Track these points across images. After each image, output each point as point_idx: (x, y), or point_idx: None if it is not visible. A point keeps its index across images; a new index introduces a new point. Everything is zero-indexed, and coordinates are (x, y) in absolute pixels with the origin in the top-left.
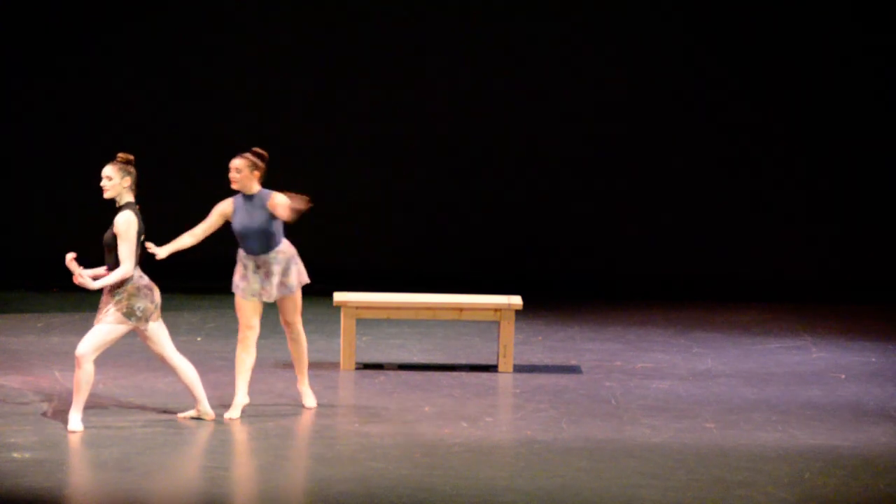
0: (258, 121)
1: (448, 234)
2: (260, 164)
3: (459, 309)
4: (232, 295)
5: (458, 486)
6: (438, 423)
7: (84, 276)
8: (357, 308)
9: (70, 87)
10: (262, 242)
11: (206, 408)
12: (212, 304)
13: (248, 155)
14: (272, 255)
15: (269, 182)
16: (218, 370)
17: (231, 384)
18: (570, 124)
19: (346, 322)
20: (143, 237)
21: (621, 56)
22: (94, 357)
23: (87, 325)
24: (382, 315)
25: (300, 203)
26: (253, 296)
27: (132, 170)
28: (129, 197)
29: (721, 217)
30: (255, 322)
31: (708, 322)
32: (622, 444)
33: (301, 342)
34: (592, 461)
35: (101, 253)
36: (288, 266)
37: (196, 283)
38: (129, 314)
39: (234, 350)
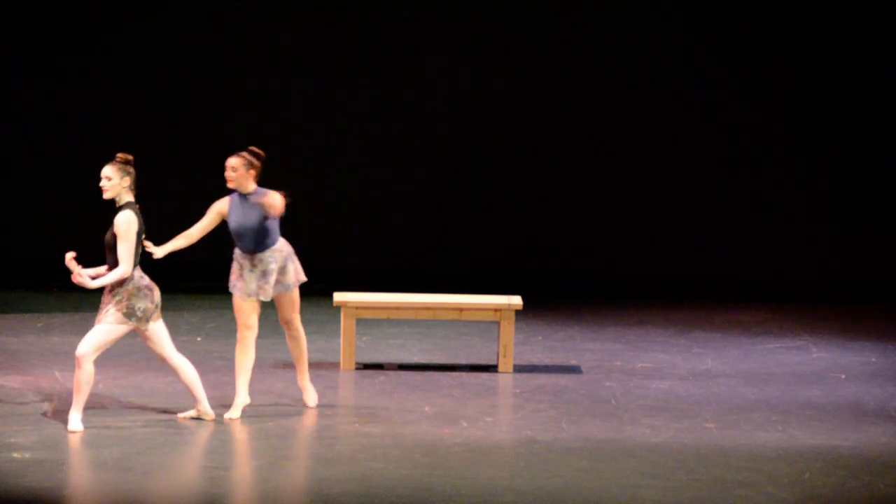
0: (258, 121)
1: (448, 234)
2: (256, 162)
3: (459, 309)
4: (231, 295)
5: (458, 486)
6: (438, 423)
7: (83, 276)
8: (357, 308)
9: (70, 87)
10: (258, 241)
11: (206, 408)
12: (212, 304)
13: (244, 154)
14: (268, 253)
15: (269, 182)
16: (218, 370)
17: (231, 384)
18: (570, 124)
19: (346, 322)
20: (143, 237)
21: (621, 56)
22: (94, 357)
23: (87, 325)
24: (382, 315)
25: (268, 201)
26: (250, 295)
27: (131, 170)
28: (128, 197)
29: (721, 217)
30: (254, 322)
31: (708, 322)
32: (622, 444)
33: (300, 340)
34: (592, 461)
35: (101, 253)
36: (285, 264)
37: (196, 283)
38: (129, 314)
39: (233, 350)
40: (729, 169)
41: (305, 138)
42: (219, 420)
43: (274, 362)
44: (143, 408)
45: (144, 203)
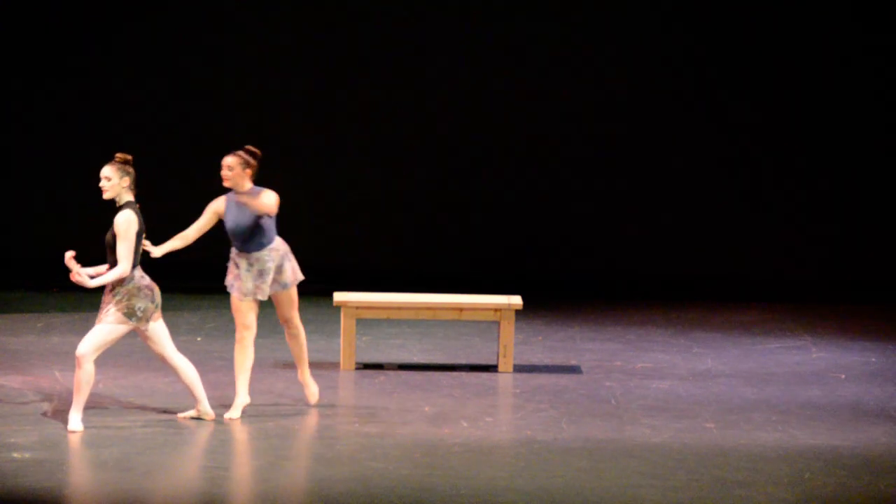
0: (258, 121)
1: (448, 234)
2: (252, 161)
3: (459, 309)
4: (229, 295)
5: (458, 486)
6: (438, 423)
7: (81, 275)
8: (357, 308)
9: (70, 87)
10: (255, 240)
11: (206, 408)
12: (212, 304)
13: (240, 153)
14: (265, 252)
15: (269, 182)
16: (218, 370)
17: (231, 384)
18: (570, 124)
19: (346, 322)
20: (143, 236)
21: (621, 56)
22: (94, 357)
23: (87, 325)
24: (382, 315)
25: (250, 199)
26: (246, 295)
27: (131, 170)
28: (128, 196)
29: (721, 217)
30: (252, 321)
31: (708, 322)
32: (622, 444)
33: (300, 338)
34: (592, 461)
35: (101, 252)
36: (282, 263)
37: (196, 283)
38: (129, 314)
39: (233, 350)
40: (729, 169)
41: (305, 138)
42: (219, 420)
43: (274, 362)
44: (143, 408)
45: (144, 203)
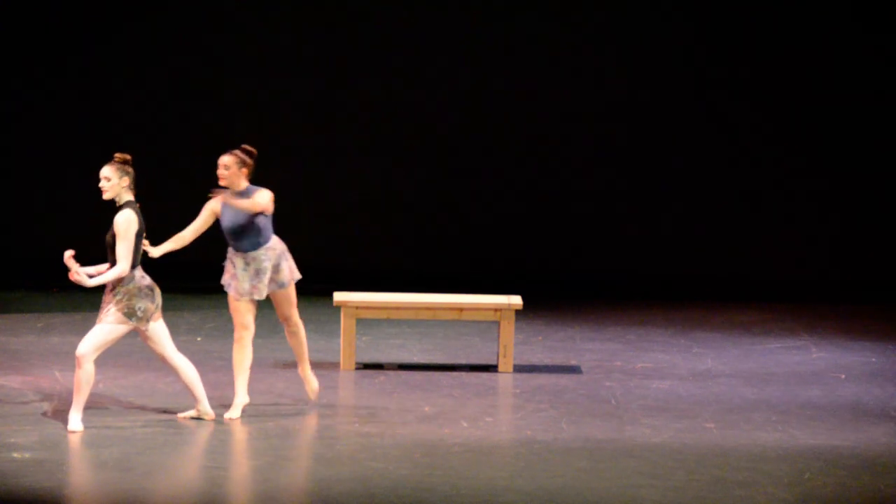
0: (258, 121)
1: (448, 234)
2: (248, 161)
3: (459, 309)
4: (227, 294)
5: (458, 486)
6: (438, 423)
7: (80, 274)
8: (357, 308)
9: (70, 87)
10: (251, 239)
11: (206, 408)
12: (212, 304)
13: (236, 152)
14: (262, 252)
15: (270, 181)
16: (218, 370)
17: (231, 384)
18: (570, 124)
19: (346, 322)
20: (143, 236)
21: (621, 56)
22: (94, 357)
23: (87, 325)
24: (382, 315)
25: (228, 197)
26: (243, 295)
27: (130, 169)
28: (128, 196)
29: (721, 217)
30: (250, 321)
31: (708, 322)
32: (622, 444)
33: (299, 335)
34: (592, 461)
35: (101, 252)
36: (279, 262)
37: (196, 283)
38: (129, 314)
39: (232, 350)
40: (729, 169)
41: (305, 138)
42: (219, 420)
43: (274, 362)
44: (143, 408)
45: (144, 203)
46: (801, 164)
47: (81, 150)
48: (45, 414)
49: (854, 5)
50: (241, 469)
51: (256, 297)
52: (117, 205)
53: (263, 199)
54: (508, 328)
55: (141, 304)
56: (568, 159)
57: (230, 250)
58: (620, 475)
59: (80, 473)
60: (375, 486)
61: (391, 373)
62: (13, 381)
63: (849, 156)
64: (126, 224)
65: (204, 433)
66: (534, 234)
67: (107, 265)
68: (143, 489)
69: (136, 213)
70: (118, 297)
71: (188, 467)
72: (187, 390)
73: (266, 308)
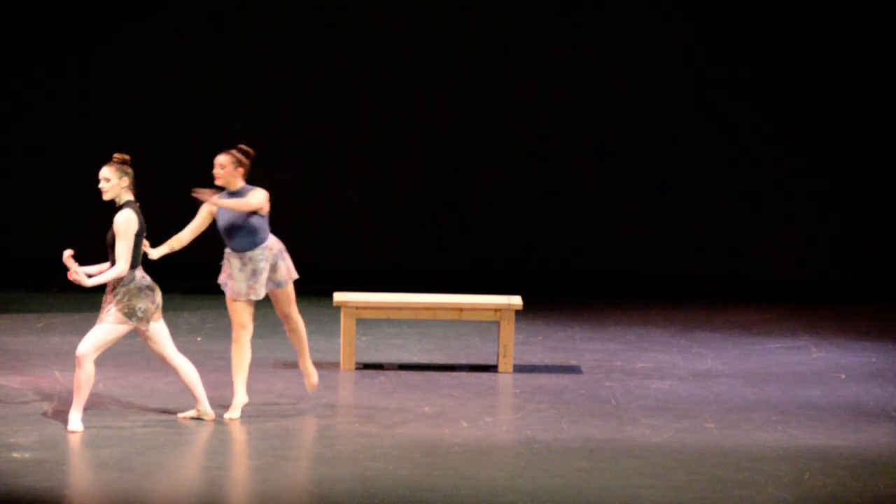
0: (258, 121)
1: (448, 234)
2: (244, 160)
3: (459, 309)
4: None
5: (458, 486)
6: (438, 423)
7: (79, 273)
8: (357, 308)
9: (70, 87)
10: (247, 239)
11: (206, 408)
12: (212, 304)
13: (233, 151)
14: (258, 252)
15: (270, 181)
16: (218, 370)
17: (230, 384)
18: (570, 124)
19: (346, 322)
20: (143, 236)
21: (621, 56)
22: (94, 357)
23: (87, 325)
24: (382, 315)
25: (207, 196)
26: (240, 296)
27: (129, 169)
28: (128, 196)
29: (721, 217)
30: (248, 321)
31: (708, 322)
32: (622, 444)
33: (300, 331)
34: (592, 461)
35: (101, 252)
36: (276, 262)
37: (196, 283)
38: (130, 314)
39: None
40: (729, 169)
41: (305, 138)
42: (219, 420)
43: (274, 362)
44: (143, 408)
45: (144, 203)
46: (801, 164)
47: (81, 150)
48: (45, 414)
49: (854, 5)
50: (240, 469)
51: (253, 298)
52: (117, 205)
53: (255, 198)
54: (508, 328)
55: (141, 305)
56: (568, 159)
57: (227, 250)
58: (620, 475)
59: (80, 473)
60: (375, 486)
61: (391, 373)
62: (13, 381)
63: (849, 156)
64: (126, 224)
65: (204, 433)
66: (534, 234)
67: (107, 264)
68: (143, 489)
69: (136, 212)
70: (118, 297)
71: (188, 467)
72: (187, 390)
73: (266, 308)
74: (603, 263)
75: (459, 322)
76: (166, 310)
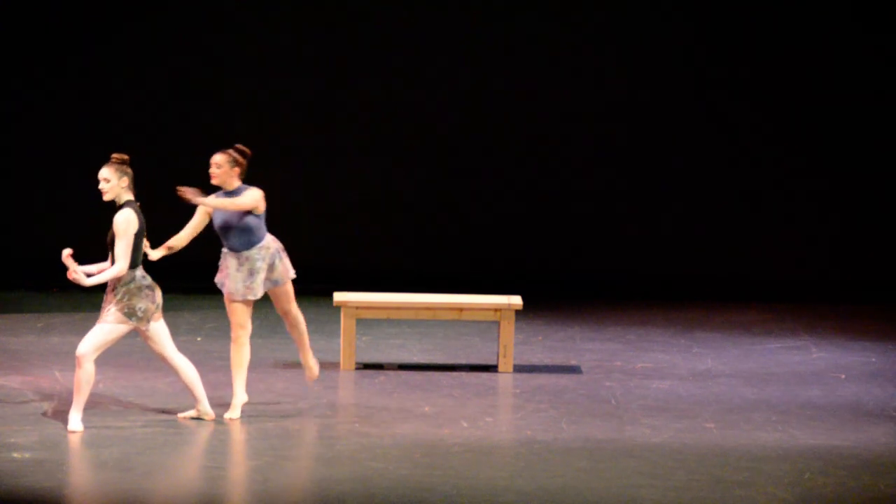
0: (258, 121)
1: (448, 234)
2: (241, 160)
3: (459, 309)
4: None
5: (458, 486)
6: (438, 423)
7: (78, 273)
8: (357, 308)
9: (70, 87)
10: (243, 239)
11: (206, 408)
12: (212, 304)
13: (229, 151)
14: (255, 251)
15: (270, 181)
16: (218, 370)
17: (230, 384)
18: (570, 124)
19: (346, 322)
20: (144, 235)
21: (621, 56)
22: (94, 357)
23: (87, 325)
24: (382, 315)
25: (191, 194)
26: (237, 295)
27: (128, 169)
28: (128, 196)
29: (721, 217)
30: (246, 321)
31: (708, 322)
32: (622, 444)
33: (300, 326)
34: (592, 461)
35: (101, 252)
36: (273, 262)
37: (196, 283)
38: (130, 314)
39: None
40: (729, 169)
41: (305, 138)
42: (219, 420)
43: (274, 362)
44: (143, 408)
45: (144, 203)
46: (801, 164)
47: (81, 150)
48: (45, 414)
49: (854, 5)
50: (240, 469)
51: (251, 297)
52: (117, 205)
53: (247, 198)
54: (508, 328)
55: (141, 304)
56: (568, 159)
57: (224, 249)
58: (620, 475)
59: (80, 473)
60: (375, 486)
61: (391, 373)
62: (13, 381)
63: (849, 156)
64: (125, 223)
65: (204, 433)
66: (534, 234)
67: (106, 263)
68: (143, 489)
69: (136, 212)
70: (118, 297)
71: (188, 467)
72: (187, 390)
73: (266, 308)
74: (603, 263)
75: (459, 322)
76: (166, 310)
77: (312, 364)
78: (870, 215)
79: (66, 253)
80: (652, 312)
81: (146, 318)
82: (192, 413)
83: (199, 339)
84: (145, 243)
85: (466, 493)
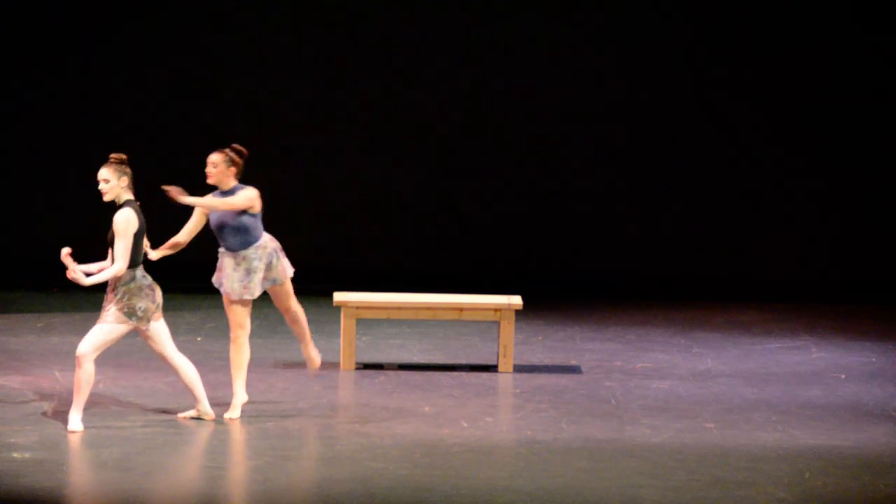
0: (258, 121)
1: (448, 234)
2: (237, 159)
3: (459, 309)
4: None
5: (458, 486)
6: (438, 423)
7: (77, 272)
8: (357, 308)
9: (70, 87)
10: (240, 238)
11: (206, 408)
12: (212, 304)
13: (226, 150)
14: (251, 251)
15: (270, 181)
16: (218, 370)
17: (230, 384)
18: (570, 124)
19: (346, 322)
20: (144, 235)
21: (621, 56)
22: (94, 357)
23: (87, 325)
24: (382, 315)
25: (179, 193)
26: (234, 295)
27: (127, 169)
28: (128, 195)
29: (721, 217)
30: (245, 320)
31: (708, 322)
32: (622, 444)
33: (301, 321)
34: (592, 461)
35: (101, 252)
36: (270, 261)
37: (196, 283)
38: (130, 314)
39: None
40: (729, 169)
41: (305, 138)
42: (219, 420)
43: (274, 362)
44: (143, 408)
45: (144, 203)
46: (801, 164)
47: (81, 150)
48: (45, 414)
49: (854, 5)
50: (240, 469)
51: (248, 297)
52: (117, 205)
53: (239, 197)
54: (508, 328)
55: (141, 304)
56: (568, 159)
57: (221, 249)
58: (620, 475)
59: (80, 473)
60: (375, 486)
61: (391, 373)
62: (13, 381)
63: (849, 156)
64: (125, 223)
65: (204, 433)
66: (534, 234)
67: (106, 262)
68: (143, 489)
69: (136, 211)
70: (118, 297)
71: (188, 467)
72: (187, 390)
73: (265, 308)
74: (603, 263)
75: (459, 322)
76: (166, 310)
77: (314, 355)
78: (870, 215)
79: (65, 252)
80: (652, 312)
81: (146, 318)
82: (192, 413)
83: (199, 339)
84: (146, 243)
85: (466, 493)
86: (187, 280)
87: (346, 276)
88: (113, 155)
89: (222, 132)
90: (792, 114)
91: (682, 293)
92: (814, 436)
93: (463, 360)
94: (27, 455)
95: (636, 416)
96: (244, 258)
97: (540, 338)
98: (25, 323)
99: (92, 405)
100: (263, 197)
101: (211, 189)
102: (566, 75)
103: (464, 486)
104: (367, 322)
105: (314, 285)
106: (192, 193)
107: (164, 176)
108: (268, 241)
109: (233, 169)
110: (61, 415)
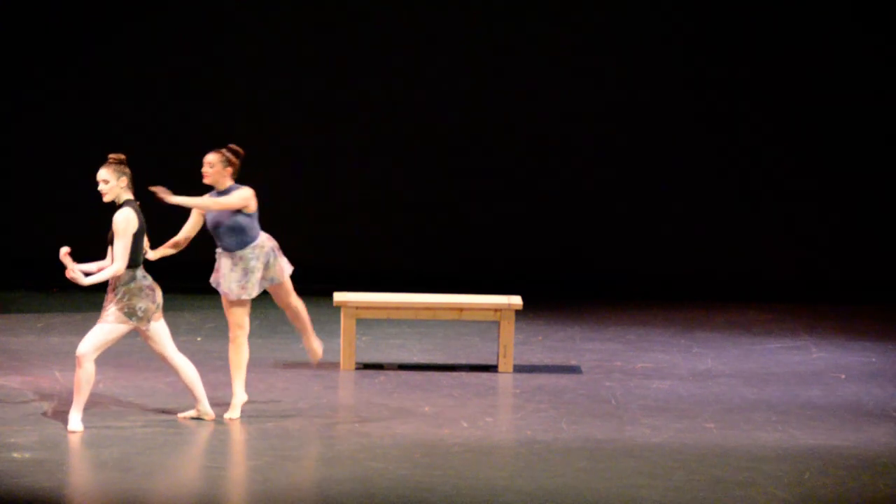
0: (258, 121)
1: (448, 234)
2: (234, 160)
3: (459, 309)
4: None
5: (458, 486)
6: (438, 423)
7: (76, 272)
8: (357, 308)
9: (70, 87)
10: (236, 238)
11: (206, 408)
12: (211, 304)
13: (222, 150)
14: (249, 251)
15: (270, 181)
16: (218, 370)
17: (230, 384)
18: (570, 124)
19: (346, 322)
20: (144, 234)
21: (621, 56)
22: (94, 357)
23: (87, 325)
24: (382, 315)
25: (165, 193)
26: (231, 295)
27: (126, 169)
28: (127, 195)
29: (721, 217)
30: (244, 320)
31: (708, 322)
32: (622, 444)
33: (302, 315)
34: (592, 461)
35: (100, 252)
36: (269, 260)
37: (196, 283)
38: (130, 314)
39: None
40: (729, 169)
41: (305, 138)
42: (219, 420)
43: (274, 362)
44: (143, 408)
45: (144, 203)
46: (801, 164)
47: (81, 150)
48: (45, 414)
49: (854, 5)
50: (240, 469)
51: (245, 297)
52: (117, 205)
53: (233, 197)
54: (508, 328)
55: (141, 304)
56: (568, 159)
57: (218, 249)
58: (620, 475)
59: (80, 473)
60: (375, 486)
61: (391, 373)
62: (13, 381)
63: (848, 156)
64: (125, 223)
65: (204, 433)
66: (534, 234)
67: (107, 262)
68: (143, 489)
69: (136, 211)
70: (119, 297)
71: (188, 467)
72: (187, 390)
73: (265, 309)
74: (603, 263)
75: (459, 322)
76: (166, 310)
77: (316, 346)
78: (869, 215)
79: (64, 251)
80: (652, 312)
81: (146, 318)
82: (192, 413)
83: (199, 339)
84: (145, 243)
85: (466, 493)
86: (187, 280)
87: (346, 276)
88: (112, 155)
89: (222, 132)
90: (792, 114)
91: (682, 293)
92: (814, 436)
93: (463, 360)
94: (27, 455)
95: (636, 416)
96: (241, 258)
97: (540, 338)
98: (25, 323)
99: (92, 405)
100: (263, 197)
101: (208, 189)
102: (566, 75)
103: (464, 486)
104: (367, 322)
105: (314, 285)
106: (191, 194)
107: (164, 176)
108: (265, 241)
109: (229, 169)
110: (61, 415)
